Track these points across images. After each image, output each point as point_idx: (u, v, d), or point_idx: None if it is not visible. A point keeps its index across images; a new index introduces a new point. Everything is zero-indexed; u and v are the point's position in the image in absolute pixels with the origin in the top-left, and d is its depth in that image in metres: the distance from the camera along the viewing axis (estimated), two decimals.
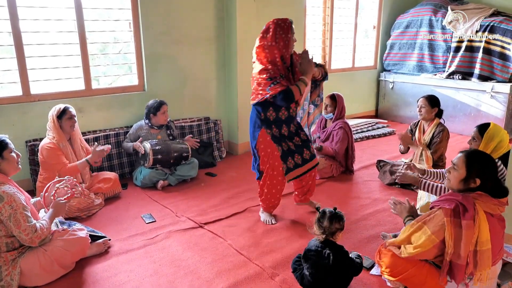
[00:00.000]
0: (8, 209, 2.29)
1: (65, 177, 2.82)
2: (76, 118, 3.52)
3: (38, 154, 3.44)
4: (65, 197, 2.65)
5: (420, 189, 2.91)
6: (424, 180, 2.86)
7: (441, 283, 2.22)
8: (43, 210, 2.78)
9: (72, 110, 3.48)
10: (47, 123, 3.47)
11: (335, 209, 2.43)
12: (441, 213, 2.14)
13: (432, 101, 3.90)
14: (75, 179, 2.86)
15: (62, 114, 3.42)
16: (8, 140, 2.46)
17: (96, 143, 3.67)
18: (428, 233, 2.14)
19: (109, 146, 3.64)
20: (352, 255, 2.56)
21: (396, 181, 2.98)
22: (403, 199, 2.65)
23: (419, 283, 2.29)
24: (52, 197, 2.64)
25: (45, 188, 2.69)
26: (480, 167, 2.17)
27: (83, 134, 4.13)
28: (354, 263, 2.45)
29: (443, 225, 2.12)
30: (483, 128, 3.06)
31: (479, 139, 3.04)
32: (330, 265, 2.31)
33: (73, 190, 2.74)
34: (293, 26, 2.99)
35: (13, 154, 2.46)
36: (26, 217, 2.34)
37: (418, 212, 2.77)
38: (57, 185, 2.68)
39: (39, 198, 2.77)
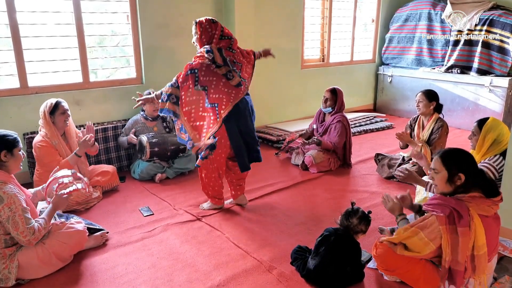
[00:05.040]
0: (7, 211, 2.28)
1: (71, 170, 2.78)
2: (69, 113, 3.41)
3: (33, 150, 3.40)
4: (68, 190, 2.62)
5: (426, 191, 2.90)
6: (430, 182, 2.79)
7: (441, 277, 2.21)
8: (41, 202, 2.78)
9: (65, 104, 3.36)
10: (39, 120, 3.37)
11: (369, 212, 2.46)
12: (435, 220, 2.12)
13: (430, 95, 3.88)
14: (78, 173, 2.82)
15: (55, 109, 3.31)
16: (19, 138, 2.47)
17: (80, 133, 3.58)
18: (425, 240, 2.13)
19: (91, 134, 3.44)
20: (363, 256, 2.58)
21: (399, 179, 2.91)
22: (398, 193, 2.65)
23: (413, 278, 2.30)
24: (54, 192, 2.61)
25: (49, 180, 2.66)
26: (457, 162, 2.17)
27: (81, 127, 4.12)
28: (360, 264, 2.47)
29: (439, 232, 2.10)
30: (482, 123, 3.04)
31: (478, 133, 3.03)
32: (343, 253, 2.34)
33: (77, 182, 2.70)
34: (193, 27, 3.19)
35: (20, 153, 2.47)
36: (25, 219, 2.32)
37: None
38: (61, 180, 2.66)
39: (39, 188, 2.75)
